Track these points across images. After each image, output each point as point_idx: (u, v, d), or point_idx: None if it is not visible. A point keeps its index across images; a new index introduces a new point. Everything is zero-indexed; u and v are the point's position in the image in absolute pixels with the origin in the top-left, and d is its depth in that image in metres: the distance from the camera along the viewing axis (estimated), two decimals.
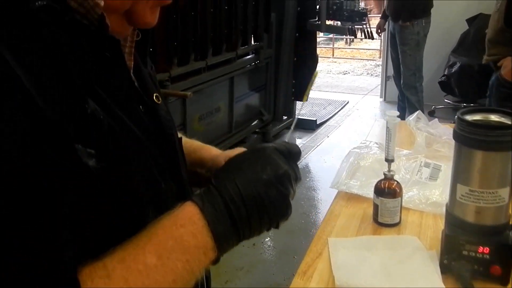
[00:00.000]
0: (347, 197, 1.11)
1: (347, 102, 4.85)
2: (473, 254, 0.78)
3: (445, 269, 0.81)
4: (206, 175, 0.76)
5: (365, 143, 1.29)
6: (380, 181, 0.99)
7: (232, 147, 3.28)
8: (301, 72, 3.96)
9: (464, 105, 4.33)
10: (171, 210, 0.52)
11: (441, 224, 0.99)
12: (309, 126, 4.16)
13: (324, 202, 2.99)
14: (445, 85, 4.27)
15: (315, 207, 2.98)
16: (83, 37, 0.50)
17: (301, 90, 4.02)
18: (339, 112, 4.61)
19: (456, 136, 0.79)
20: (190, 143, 0.80)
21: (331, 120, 4.41)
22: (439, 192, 1.07)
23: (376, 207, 0.98)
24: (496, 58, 1.97)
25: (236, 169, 0.54)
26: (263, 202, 0.52)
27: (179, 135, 0.83)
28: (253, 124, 3.76)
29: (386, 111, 0.95)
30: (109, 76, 0.54)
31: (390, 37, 3.98)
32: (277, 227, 0.55)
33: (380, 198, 0.97)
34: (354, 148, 1.25)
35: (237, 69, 3.40)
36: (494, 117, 0.78)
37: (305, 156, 3.66)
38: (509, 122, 0.75)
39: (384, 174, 0.97)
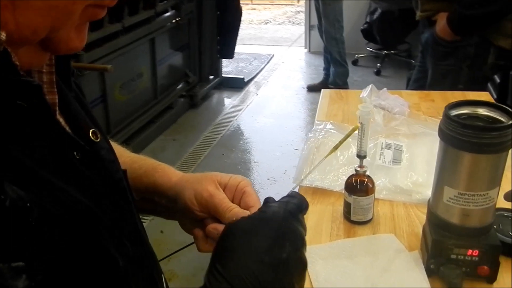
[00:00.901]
0: (311, 191, 1.02)
1: (273, 56, 4.74)
2: (462, 257, 0.74)
3: (432, 273, 0.77)
4: (166, 205, 0.62)
5: (320, 125, 1.19)
6: (351, 177, 0.91)
7: (159, 114, 3.02)
8: (225, 27, 3.74)
9: (385, 53, 4.42)
10: None
11: (413, 214, 0.95)
12: (237, 84, 4.01)
13: (261, 164, 2.94)
14: (367, 33, 4.30)
15: (253, 170, 2.92)
16: None
17: (226, 47, 3.82)
18: (265, 67, 4.49)
19: (443, 135, 0.71)
20: (138, 164, 0.65)
21: (258, 76, 4.29)
22: (405, 177, 1.02)
23: (348, 205, 0.90)
24: (430, 14, 1.94)
25: (249, 252, 0.42)
26: None
27: (128, 153, 0.68)
28: (179, 87, 3.53)
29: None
30: (28, 131, 0.38)
31: None
32: None
33: (353, 196, 0.89)
34: (310, 134, 1.15)
35: (157, 28, 3.10)
36: (482, 111, 0.71)
37: (236, 117, 3.54)
38: (500, 118, 0.69)
39: (356, 170, 0.89)
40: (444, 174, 0.73)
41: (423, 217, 0.92)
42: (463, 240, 0.74)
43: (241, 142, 3.28)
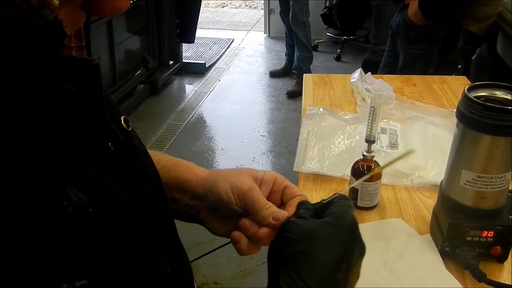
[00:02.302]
0: (312, 177, 1.00)
1: (233, 40, 4.66)
2: (477, 239, 0.75)
3: (446, 256, 0.77)
4: (188, 203, 0.57)
5: (313, 110, 1.17)
6: (357, 163, 0.89)
7: (119, 101, 2.88)
8: (184, 10, 3.61)
9: (344, 38, 4.47)
10: None
11: (416, 198, 0.95)
12: (198, 70, 3.91)
13: (229, 152, 2.90)
14: (327, 18, 4.31)
15: (221, 158, 2.87)
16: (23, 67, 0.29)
17: (186, 30, 3.70)
18: (226, 52, 4.41)
19: (463, 118, 0.70)
20: (155, 158, 0.59)
21: (219, 61, 4.21)
22: (404, 162, 1.01)
23: (355, 191, 0.89)
24: None
25: (330, 261, 0.41)
26: None
27: None
28: (138, 73, 3.38)
29: (371, 87, 0.83)
30: (78, 120, 0.34)
31: None
32: None
33: (361, 182, 0.87)
34: (304, 119, 1.12)
35: None
36: (499, 94, 0.71)
37: (199, 104, 3.46)
38: None
39: (363, 155, 0.87)
40: (462, 158, 0.73)
41: (427, 201, 0.93)
42: (478, 222, 0.74)
43: (207, 129, 3.21)
